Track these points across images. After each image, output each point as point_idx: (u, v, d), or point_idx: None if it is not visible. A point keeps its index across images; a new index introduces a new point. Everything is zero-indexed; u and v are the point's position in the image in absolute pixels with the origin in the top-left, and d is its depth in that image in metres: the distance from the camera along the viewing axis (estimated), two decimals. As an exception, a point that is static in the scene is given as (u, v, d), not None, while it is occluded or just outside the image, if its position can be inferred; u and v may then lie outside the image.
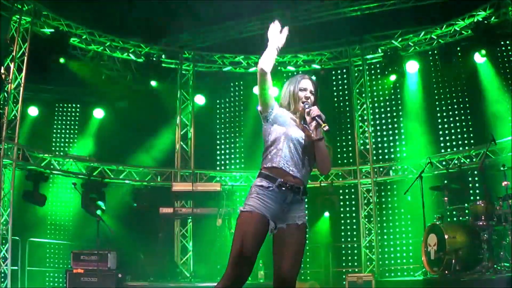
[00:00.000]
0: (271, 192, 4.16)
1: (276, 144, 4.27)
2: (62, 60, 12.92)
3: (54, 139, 16.00)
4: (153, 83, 14.49)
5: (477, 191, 12.52)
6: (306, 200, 4.36)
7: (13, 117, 12.00)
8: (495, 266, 8.98)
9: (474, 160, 12.71)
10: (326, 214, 14.21)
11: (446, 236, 9.66)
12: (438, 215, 10.41)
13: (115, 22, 13.46)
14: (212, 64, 15.42)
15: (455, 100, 13.91)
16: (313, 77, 4.77)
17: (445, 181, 11.77)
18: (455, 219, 12.16)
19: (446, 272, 9.52)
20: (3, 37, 11.86)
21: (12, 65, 11.94)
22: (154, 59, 14.50)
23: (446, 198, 10.80)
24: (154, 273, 12.03)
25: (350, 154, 15.08)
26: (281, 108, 4.47)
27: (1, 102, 11.84)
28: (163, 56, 14.96)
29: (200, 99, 15.46)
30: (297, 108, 4.42)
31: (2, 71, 11.67)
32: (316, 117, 4.21)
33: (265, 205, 4.12)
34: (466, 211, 10.31)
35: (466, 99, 13.74)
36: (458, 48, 13.37)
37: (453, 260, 9.47)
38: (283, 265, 4.13)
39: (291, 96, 4.48)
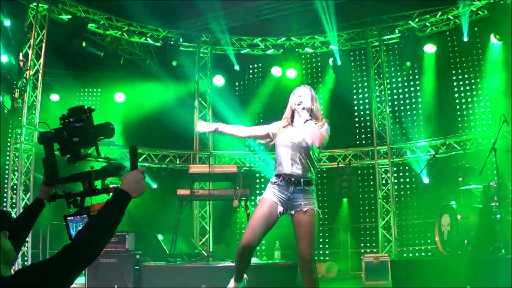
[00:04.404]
0: (277, 185, 5.36)
1: (276, 153, 5.52)
2: (80, 46, 13.06)
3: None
4: (172, 64, 14.53)
5: (494, 171, 12.43)
6: (313, 190, 5.41)
7: (33, 103, 12.24)
8: (508, 246, 8.99)
9: (491, 140, 12.59)
10: (344, 195, 14.26)
11: (458, 217, 9.67)
12: (452, 196, 10.43)
13: (133, 6, 13.55)
14: (230, 47, 15.45)
15: (472, 81, 13.83)
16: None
17: (463, 161, 11.71)
18: (472, 199, 12.14)
19: (459, 252, 9.54)
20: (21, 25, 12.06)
21: (30, 52, 12.15)
22: (172, 43, 14.62)
23: (461, 178, 10.79)
24: (172, 254, 12.23)
25: (368, 135, 15.08)
26: (275, 124, 5.67)
27: (22, 88, 12.07)
28: (181, 39, 15.05)
29: (218, 81, 15.56)
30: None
31: (21, 58, 11.89)
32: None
33: (274, 194, 5.35)
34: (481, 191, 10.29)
35: (484, 79, 13.64)
36: (476, 29, 13.30)
37: (466, 241, 9.49)
38: (299, 246, 5.23)
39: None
